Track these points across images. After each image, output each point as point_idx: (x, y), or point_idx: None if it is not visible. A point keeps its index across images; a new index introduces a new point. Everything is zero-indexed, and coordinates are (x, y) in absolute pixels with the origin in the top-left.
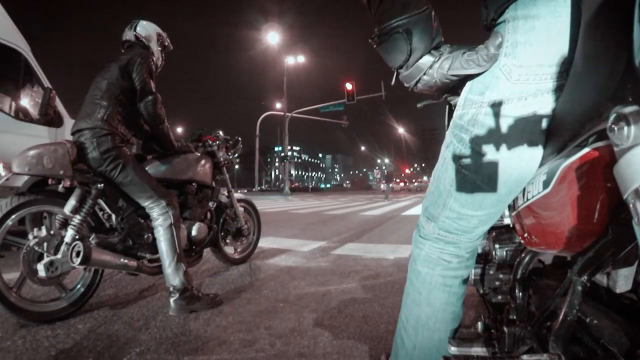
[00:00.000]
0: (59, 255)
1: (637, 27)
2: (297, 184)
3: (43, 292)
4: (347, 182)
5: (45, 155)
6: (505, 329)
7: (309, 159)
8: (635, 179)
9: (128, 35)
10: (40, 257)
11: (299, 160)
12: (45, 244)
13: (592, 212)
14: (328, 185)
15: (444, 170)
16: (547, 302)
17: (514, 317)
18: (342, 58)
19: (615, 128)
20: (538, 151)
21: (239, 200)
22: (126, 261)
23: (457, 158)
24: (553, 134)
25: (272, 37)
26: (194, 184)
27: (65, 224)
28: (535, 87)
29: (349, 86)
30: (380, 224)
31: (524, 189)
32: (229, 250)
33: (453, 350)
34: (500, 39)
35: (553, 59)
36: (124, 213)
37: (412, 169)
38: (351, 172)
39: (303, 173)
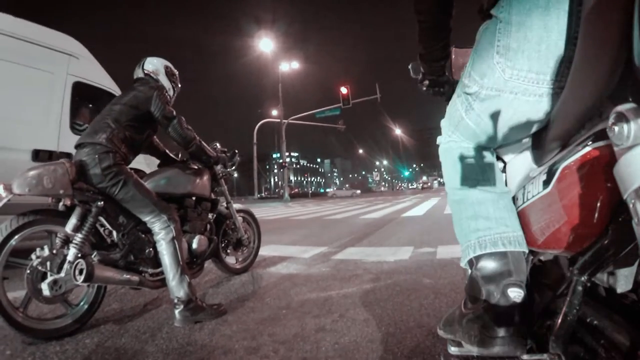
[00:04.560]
0: (62, 274)
1: (637, 27)
2: (296, 190)
3: (49, 309)
4: (347, 185)
5: (45, 176)
6: None
7: (308, 164)
8: (635, 179)
9: (138, 73)
10: (44, 276)
11: (298, 166)
12: (48, 263)
13: (592, 212)
14: (329, 190)
15: (454, 103)
16: (547, 302)
17: None
18: (336, 62)
19: (615, 128)
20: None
21: (238, 211)
22: (129, 276)
23: (464, 101)
24: (553, 133)
25: (266, 44)
26: (193, 197)
27: (67, 242)
28: (524, 88)
29: (344, 90)
30: (380, 226)
31: (524, 189)
32: (230, 260)
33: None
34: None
35: (541, 68)
36: (124, 229)
37: (411, 170)
38: (350, 176)
39: (302, 179)
